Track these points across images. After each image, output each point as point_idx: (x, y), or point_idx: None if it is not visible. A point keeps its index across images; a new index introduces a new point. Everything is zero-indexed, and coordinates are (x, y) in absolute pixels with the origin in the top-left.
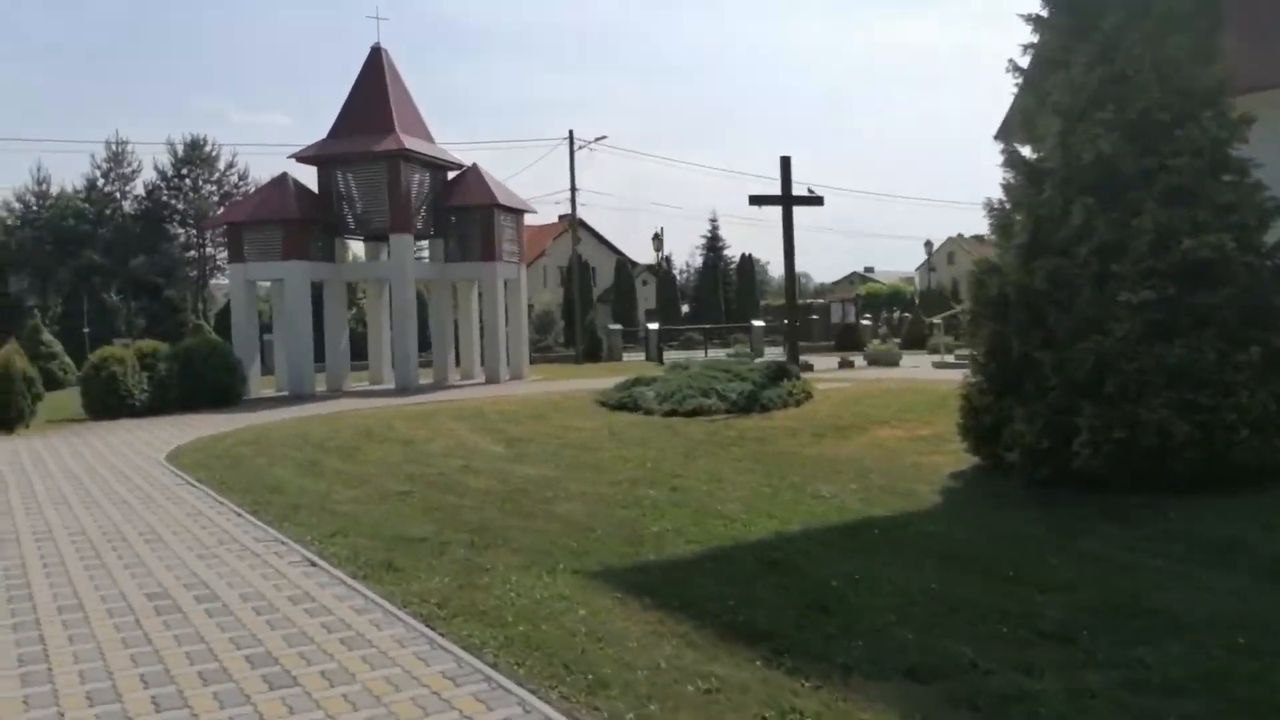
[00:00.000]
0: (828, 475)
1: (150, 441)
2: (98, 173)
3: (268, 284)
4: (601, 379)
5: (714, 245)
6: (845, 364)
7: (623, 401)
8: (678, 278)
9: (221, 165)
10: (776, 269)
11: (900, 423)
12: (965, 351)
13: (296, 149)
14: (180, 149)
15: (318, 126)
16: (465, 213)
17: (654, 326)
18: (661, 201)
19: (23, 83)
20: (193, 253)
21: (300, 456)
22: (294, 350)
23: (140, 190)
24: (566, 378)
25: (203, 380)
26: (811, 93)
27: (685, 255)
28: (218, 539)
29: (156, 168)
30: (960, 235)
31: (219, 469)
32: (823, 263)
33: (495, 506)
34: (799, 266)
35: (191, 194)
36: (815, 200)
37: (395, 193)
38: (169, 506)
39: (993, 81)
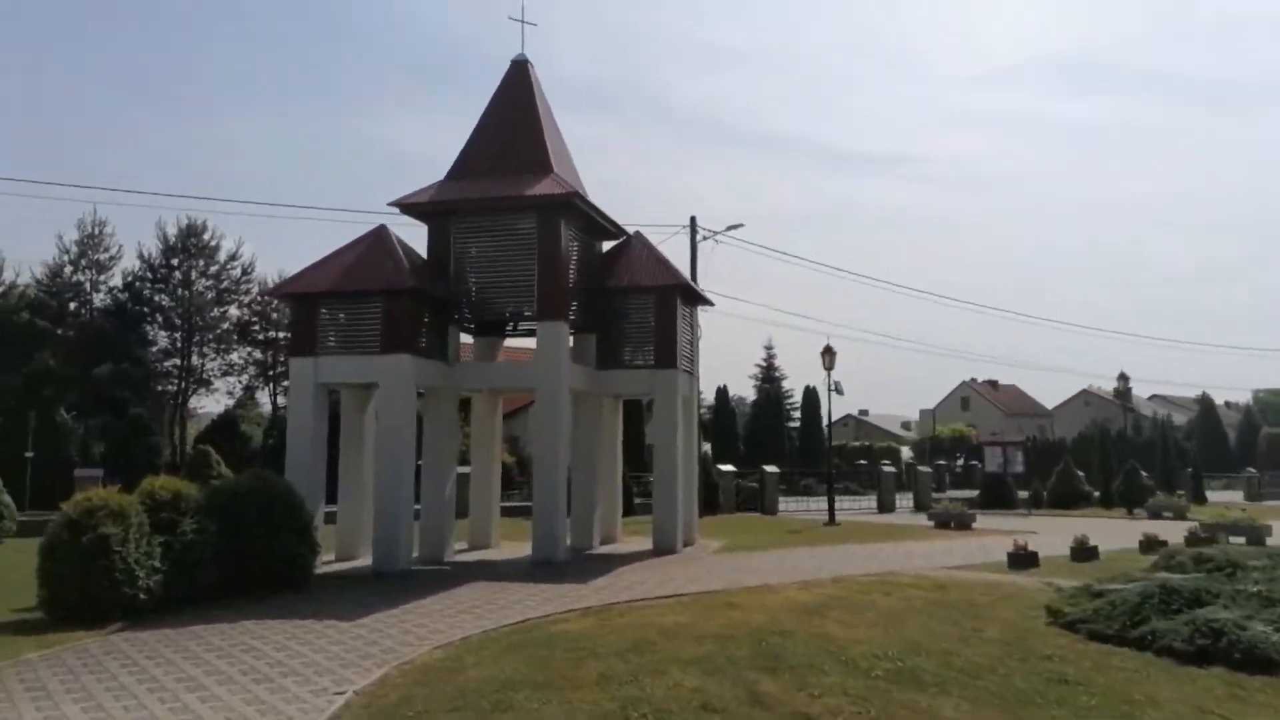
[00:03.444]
0: None
1: None
2: (65, 258)
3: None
4: (786, 550)
5: (770, 375)
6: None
7: (1199, 644)
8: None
9: (222, 257)
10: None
11: None
12: None
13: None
14: (172, 234)
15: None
16: (632, 299)
17: (771, 469)
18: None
19: None
20: (175, 361)
21: None
22: (387, 498)
23: (118, 281)
24: (744, 547)
25: (255, 549)
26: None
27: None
28: None
29: (142, 255)
30: (974, 380)
31: None
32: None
33: None
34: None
35: (181, 290)
36: None
37: (551, 260)
38: None
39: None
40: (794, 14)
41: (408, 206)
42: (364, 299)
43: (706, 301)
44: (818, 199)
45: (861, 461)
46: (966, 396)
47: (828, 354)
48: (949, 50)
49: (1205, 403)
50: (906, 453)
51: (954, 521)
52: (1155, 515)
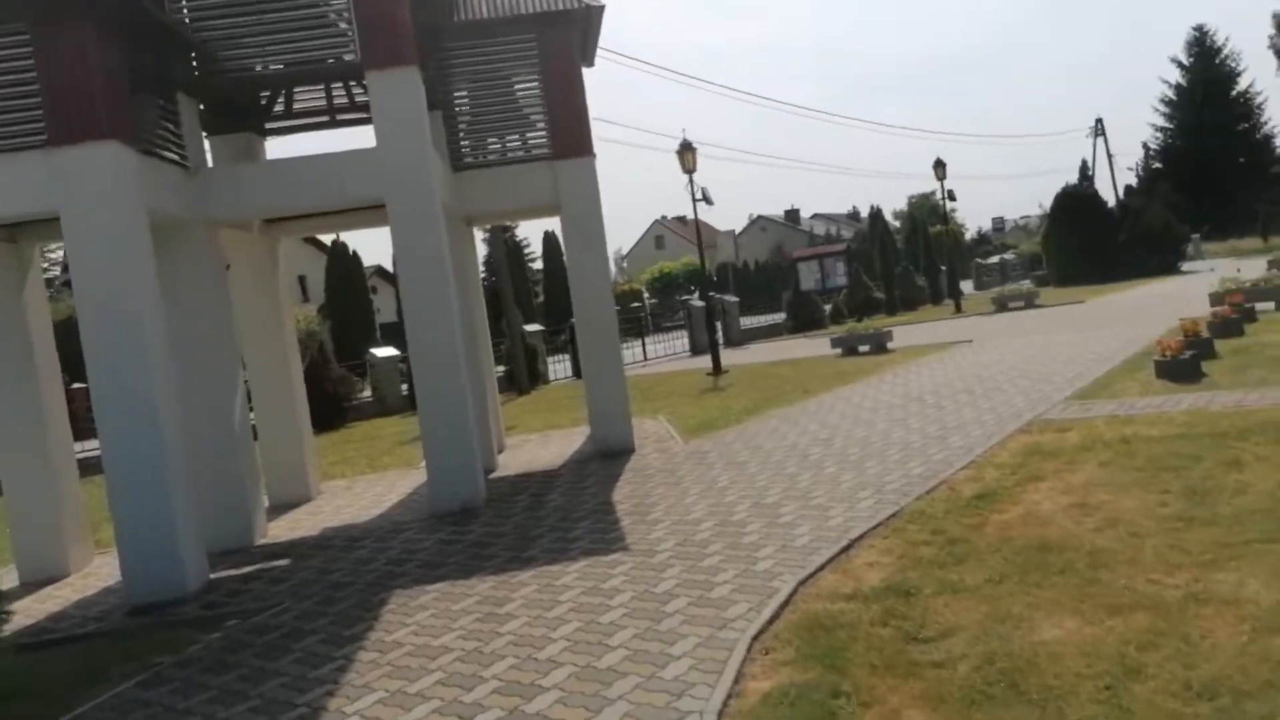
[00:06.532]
0: None
1: None
2: None
3: None
4: (783, 412)
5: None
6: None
7: None
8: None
9: None
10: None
11: None
12: None
13: None
14: None
15: None
16: (500, 45)
17: None
18: None
19: None
20: None
21: None
22: (133, 449)
23: None
24: (706, 425)
25: None
26: None
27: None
28: None
29: None
30: (665, 217)
31: None
32: None
33: None
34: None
35: None
36: None
37: None
38: None
39: None
40: None
41: None
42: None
43: (586, 59)
44: None
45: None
46: (660, 235)
47: (687, 152)
48: None
49: (875, 213)
50: (646, 294)
51: (870, 344)
52: (1003, 307)
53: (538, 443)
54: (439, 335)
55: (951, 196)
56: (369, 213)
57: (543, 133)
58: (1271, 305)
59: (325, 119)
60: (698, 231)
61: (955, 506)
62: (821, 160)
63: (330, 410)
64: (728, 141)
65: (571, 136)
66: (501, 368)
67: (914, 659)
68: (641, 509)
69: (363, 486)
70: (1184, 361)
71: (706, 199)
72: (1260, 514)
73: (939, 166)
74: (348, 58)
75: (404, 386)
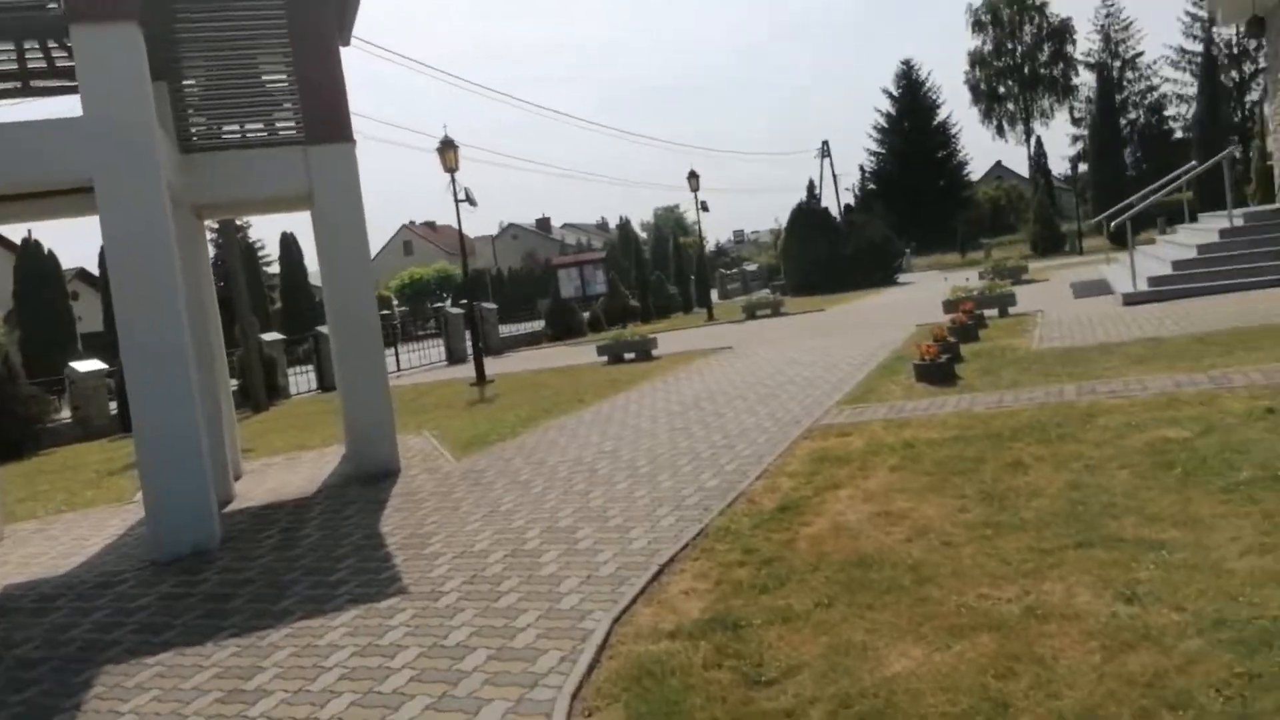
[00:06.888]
0: None
1: None
2: None
3: None
4: (562, 431)
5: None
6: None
7: None
8: None
9: None
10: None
11: None
12: None
13: None
14: None
15: None
16: (242, 4)
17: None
18: None
19: None
20: None
21: None
22: None
23: None
24: (481, 439)
25: None
26: None
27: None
28: None
29: None
30: (413, 222)
31: None
32: None
33: None
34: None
35: None
36: None
37: None
38: None
39: None
40: None
41: None
42: None
43: (343, 37)
44: None
45: None
46: (409, 240)
47: (449, 150)
48: None
49: (624, 224)
50: (395, 302)
51: (636, 352)
52: (752, 315)
53: (283, 466)
54: (161, 333)
55: (705, 208)
56: (70, 198)
57: (292, 114)
58: (996, 312)
59: (16, 84)
60: (460, 234)
61: (760, 521)
62: (571, 169)
63: (18, 435)
64: (479, 144)
65: (328, 119)
66: (235, 382)
67: (762, 709)
68: (417, 541)
69: (60, 528)
70: (940, 365)
71: (470, 200)
72: (1061, 517)
73: (693, 178)
74: (49, 7)
75: (113, 405)
